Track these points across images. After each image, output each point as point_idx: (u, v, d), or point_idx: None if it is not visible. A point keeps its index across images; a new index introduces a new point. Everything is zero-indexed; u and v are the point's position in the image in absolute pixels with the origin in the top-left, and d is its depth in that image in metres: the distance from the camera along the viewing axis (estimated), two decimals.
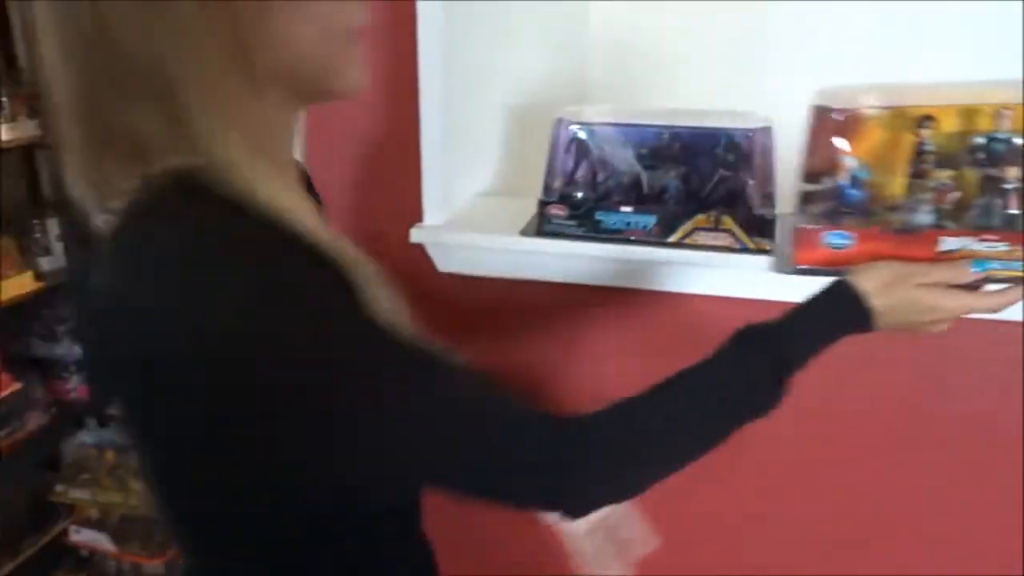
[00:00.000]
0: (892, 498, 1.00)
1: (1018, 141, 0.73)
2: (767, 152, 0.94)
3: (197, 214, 0.50)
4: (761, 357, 0.65)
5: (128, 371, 0.53)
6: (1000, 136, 0.73)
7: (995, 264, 0.72)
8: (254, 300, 0.49)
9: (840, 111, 0.76)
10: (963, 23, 1.11)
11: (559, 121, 0.98)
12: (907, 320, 0.70)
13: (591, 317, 1.01)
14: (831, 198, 0.79)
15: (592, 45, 1.94)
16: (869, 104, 0.76)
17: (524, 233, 1.00)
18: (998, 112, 0.72)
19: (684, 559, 1.05)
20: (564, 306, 1.01)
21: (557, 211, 0.98)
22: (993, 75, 0.77)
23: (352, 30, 0.57)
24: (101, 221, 0.54)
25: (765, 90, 1.81)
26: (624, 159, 0.99)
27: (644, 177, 0.97)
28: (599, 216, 0.97)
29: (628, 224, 0.96)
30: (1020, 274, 0.71)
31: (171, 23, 0.50)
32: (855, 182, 0.78)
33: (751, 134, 0.93)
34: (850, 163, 0.77)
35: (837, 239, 0.77)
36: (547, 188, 0.99)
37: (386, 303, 0.53)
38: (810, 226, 0.78)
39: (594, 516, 0.68)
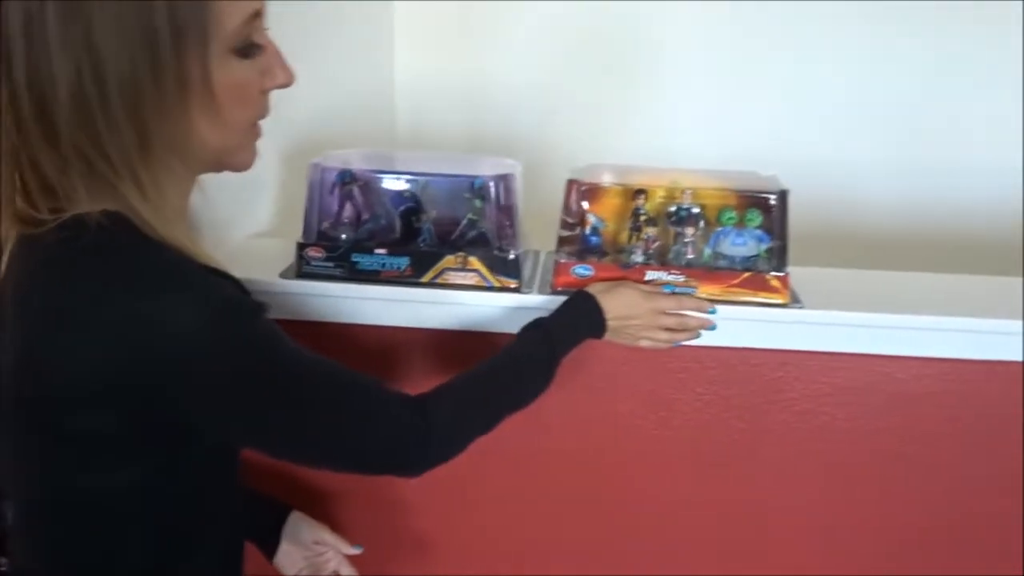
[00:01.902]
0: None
1: (696, 210, 1.01)
2: (510, 196, 1.02)
3: (125, 246, 0.62)
4: (543, 346, 0.87)
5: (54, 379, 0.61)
6: (685, 206, 1.01)
7: (679, 289, 1.00)
8: (202, 311, 0.60)
9: (585, 183, 1.02)
10: None
11: (314, 166, 1.02)
12: (628, 315, 0.92)
13: (356, 355, 1.04)
14: (579, 242, 1.03)
15: (398, 91, 2.01)
16: (607, 179, 1.04)
17: (284, 275, 1.02)
18: (684, 191, 1.01)
19: None
20: (327, 345, 1.03)
21: (315, 253, 1.01)
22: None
23: (254, 124, 0.72)
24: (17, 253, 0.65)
25: (562, 135, 1.98)
26: (381, 203, 1.04)
27: (398, 221, 1.03)
28: (355, 258, 1.01)
29: (383, 265, 1.01)
30: (692, 296, 0.99)
31: (105, 118, 0.61)
32: (594, 231, 1.03)
33: (494, 181, 1.00)
34: (591, 219, 1.02)
35: (582, 270, 1.00)
36: (306, 231, 1.03)
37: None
38: (564, 260, 1.01)
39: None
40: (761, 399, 1.03)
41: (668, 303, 0.95)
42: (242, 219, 1.21)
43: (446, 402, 0.79)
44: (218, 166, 0.72)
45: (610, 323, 0.92)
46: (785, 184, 1.01)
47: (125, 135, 0.61)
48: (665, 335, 0.94)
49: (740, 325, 0.99)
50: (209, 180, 0.77)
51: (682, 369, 1.03)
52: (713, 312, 0.96)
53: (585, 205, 1.02)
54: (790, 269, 1.01)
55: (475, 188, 1.01)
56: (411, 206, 1.04)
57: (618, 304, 0.92)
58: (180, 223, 0.67)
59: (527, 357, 0.87)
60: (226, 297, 0.64)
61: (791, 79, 1.90)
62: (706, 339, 1.00)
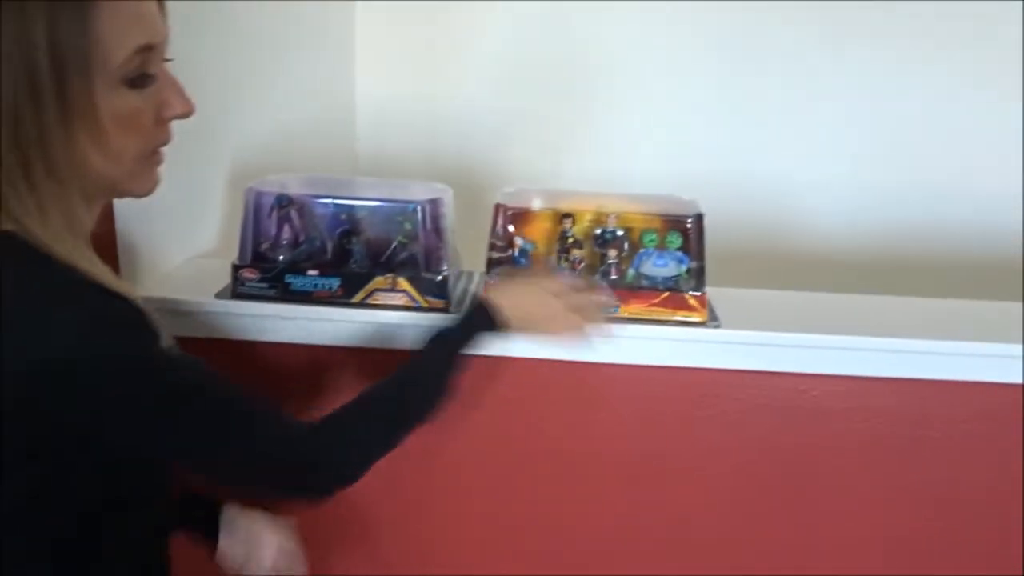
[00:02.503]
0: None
1: (620, 233, 1.06)
2: (438, 220, 1.05)
3: (14, 263, 0.64)
4: (442, 354, 0.88)
5: None
6: (610, 229, 1.05)
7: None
8: (88, 326, 0.63)
9: (513, 207, 1.06)
10: None
11: (248, 190, 1.05)
12: (526, 305, 0.91)
13: (287, 373, 1.07)
14: (508, 263, 1.07)
15: (359, 116, 2.06)
16: (536, 204, 1.08)
17: (220, 296, 1.05)
18: (609, 215, 1.06)
19: None
20: (260, 364, 1.07)
21: (249, 274, 1.05)
22: None
23: (151, 152, 0.72)
24: None
25: (520, 158, 2.03)
26: (315, 226, 1.07)
27: (330, 243, 1.06)
28: (289, 279, 1.04)
29: (315, 286, 1.04)
30: (615, 315, 1.03)
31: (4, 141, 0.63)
32: (523, 253, 1.07)
33: (423, 205, 1.04)
34: (519, 241, 1.06)
35: None
36: (241, 252, 1.06)
37: (162, 330, 0.68)
38: (492, 281, 1.04)
39: None
40: (683, 416, 1.07)
41: (561, 286, 0.92)
42: (191, 239, 1.25)
43: (341, 425, 0.79)
44: (114, 193, 0.73)
45: (513, 319, 0.89)
46: (703, 208, 1.05)
47: (8, 161, 0.63)
48: (576, 318, 0.92)
49: (661, 344, 1.03)
50: (154, 201, 0.80)
51: (603, 386, 1.06)
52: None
53: (512, 228, 1.06)
54: (712, 289, 1.05)
55: (405, 212, 1.05)
56: (345, 229, 1.07)
57: (513, 297, 0.90)
58: (75, 244, 0.67)
59: (426, 369, 0.87)
60: (110, 314, 0.65)
61: (747, 101, 1.95)
62: (627, 357, 1.04)
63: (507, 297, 0.90)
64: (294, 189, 1.09)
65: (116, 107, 0.66)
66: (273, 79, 1.56)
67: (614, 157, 1.99)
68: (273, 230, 1.08)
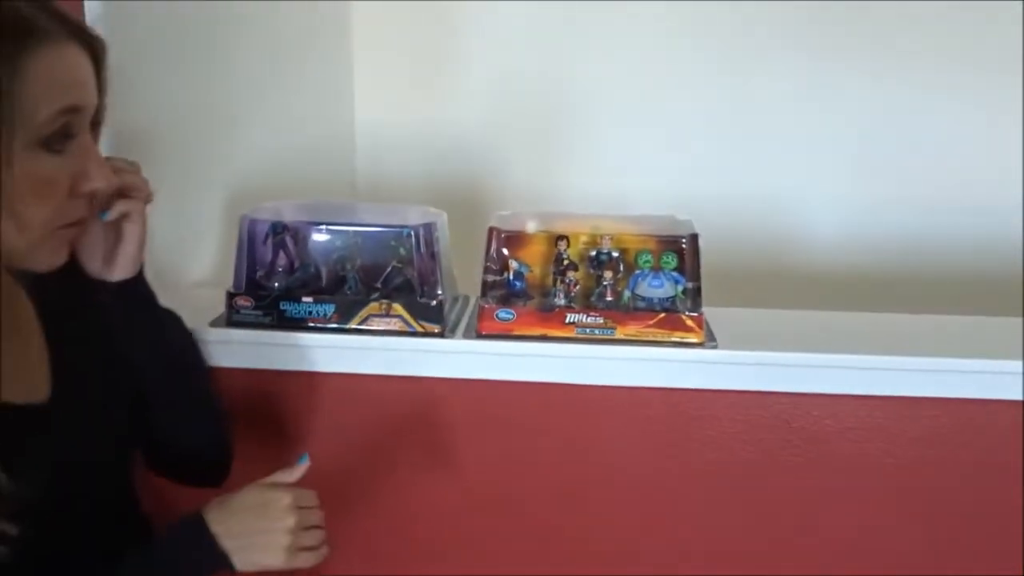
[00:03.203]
0: None
1: (615, 254, 1.04)
2: (432, 244, 1.05)
3: None
4: None
5: None
6: (605, 251, 1.05)
7: (597, 331, 1.02)
8: None
9: (507, 231, 1.05)
10: None
11: (242, 218, 1.05)
12: (247, 529, 0.77)
13: (283, 400, 1.07)
14: (504, 287, 1.06)
15: (359, 139, 2.07)
16: (531, 227, 1.07)
17: (215, 324, 1.05)
18: (603, 237, 1.05)
19: None
20: (256, 391, 1.06)
21: (243, 302, 1.04)
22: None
23: (65, 224, 0.68)
24: None
25: (519, 180, 2.03)
26: (310, 252, 1.07)
27: (324, 270, 1.06)
28: (283, 306, 1.04)
29: (310, 312, 1.04)
30: (611, 337, 1.02)
31: None
32: (518, 276, 1.06)
33: (415, 230, 1.04)
34: (514, 264, 1.06)
35: (505, 314, 1.03)
36: (236, 280, 1.06)
37: None
38: (487, 305, 1.03)
39: None
40: (681, 437, 1.06)
41: (288, 508, 0.77)
42: (188, 268, 1.25)
43: None
44: (11, 261, 0.68)
45: (230, 548, 0.75)
46: (698, 227, 1.05)
47: None
48: (287, 540, 0.77)
49: (657, 366, 1.02)
50: (150, 230, 0.79)
51: (599, 409, 1.05)
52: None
53: (506, 251, 1.05)
54: (710, 309, 1.04)
55: (399, 237, 1.05)
56: (340, 255, 1.07)
57: (231, 522, 0.76)
58: None
59: None
60: None
61: (743, 118, 1.95)
62: (623, 379, 1.03)
63: (225, 522, 0.77)
64: (289, 216, 1.09)
65: (31, 169, 0.62)
66: (270, 104, 1.57)
67: (612, 176, 1.99)
68: (268, 257, 1.08)
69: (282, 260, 1.09)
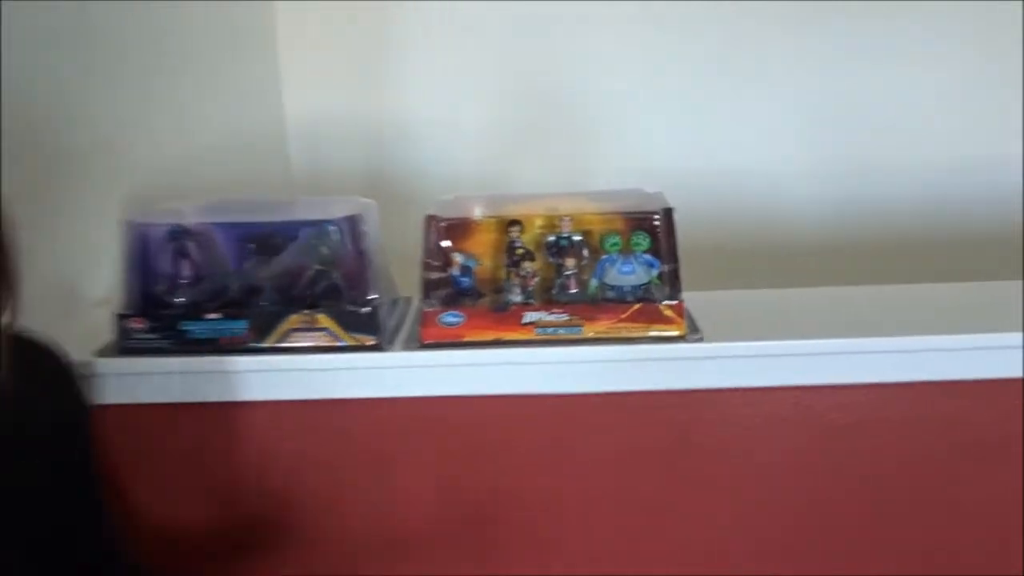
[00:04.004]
0: None
1: (577, 238, 0.90)
2: (360, 240, 0.89)
3: None
4: None
5: None
6: (564, 235, 0.90)
7: (561, 330, 0.87)
8: None
9: (447, 218, 0.90)
10: None
11: (127, 224, 0.88)
12: None
13: (193, 440, 0.90)
14: (448, 285, 0.90)
15: (291, 133, 1.88)
16: (477, 212, 0.92)
17: (104, 353, 0.88)
18: (562, 218, 0.90)
19: None
20: (161, 431, 0.89)
21: (136, 324, 0.87)
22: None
23: None
24: None
25: (466, 169, 1.87)
26: (217, 258, 0.90)
27: (233, 278, 0.89)
28: (185, 326, 0.87)
29: (219, 331, 0.87)
30: (578, 336, 0.87)
31: None
32: (465, 272, 0.91)
33: (339, 224, 0.87)
34: (459, 258, 0.90)
35: (451, 318, 0.88)
36: (126, 298, 0.88)
37: None
38: (430, 308, 0.88)
39: None
40: (667, 446, 0.90)
41: None
42: (81, 286, 1.07)
43: None
44: None
45: None
46: (671, 201, 0.90)
47: None
48: None
49: (636, 367, 0.87)
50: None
51: (572, 423, 0.90)
52: None
53: (449, 243, 0.90)
54: (690, 294, 0.89)
55: (321, 234, 0.88)
56: (253, 260, 0.90)
57: None
58: None
59: None
60: None
61: (715, 92, 1.81)
62: (597, 384, 0.88)
63: None
64: (191, 218, 0.92)
65: None
66: (197, 100, 1.40)
67: (573, 159, 1.83)
68: (169, 268, 0.91)
69: (187, 270, 0.91)
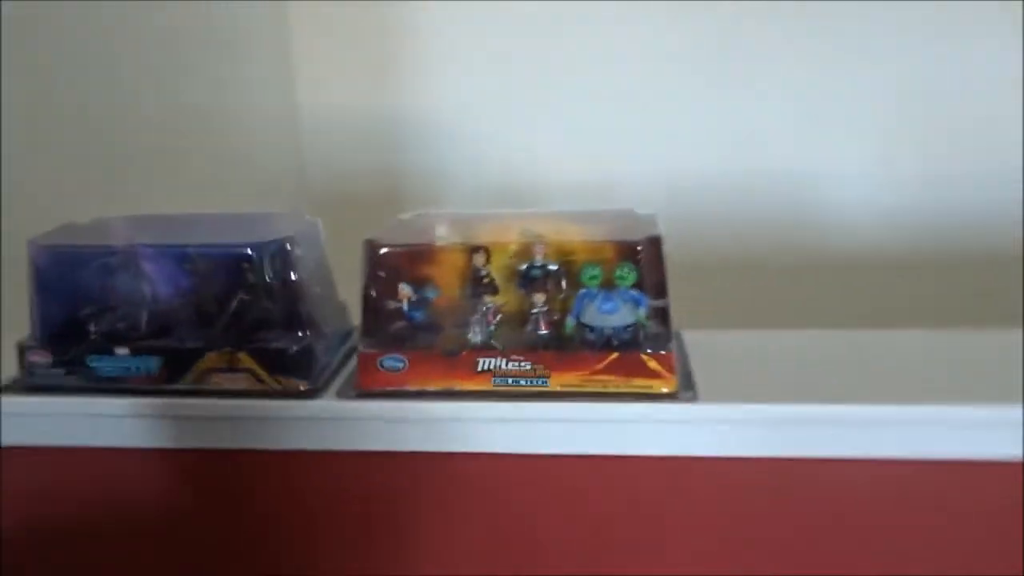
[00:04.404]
0: None
1: (552, 267, 0.74)
2: (291, 267, 0.76)
3: None
4: None
5: None
6: (537, 264, 0.75)
7: (523, 380, 0.72)
8: None
9: (388, 245, 0.75)
10: None
11: (31, 244, 0.77)
12: None
13: (96, 490, 0.79)
14: (395, 319, 0.76)
15: (304, 129, 1.78)
16: (440, 233, 0.78)
17: (8, 389, 0.78)
18: (535, 245, 0.74)
19: None
20: (63, 479, 0.78)
21: (39, 358, 0.76)
22: None
23: None
24: None
25: (489, 165, 1.73)
26: (129, 284, 0.79)
27: (145, 308, 0.77)
28: (92, 362, 0.76)
29: (128, 369, 0.76)
30: (543, 390, 0.72)
31: None
32: (418, 305, 0.76)
33: (266, 249, 0.75)
34: (406, 289, 0.76)
35: (392, 362, 0.74)
36: (32, 328, 0.78)
37: None
38: (369, 351, 0.74)
39: None
40: (646, 526, 0.75)
41: None
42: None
43: None
44: None
45: None
46: (661, 226, 0.74)
47: None
48: None
49: (611, 428, 0.72)
50: None
51: (531, 489, 0.75)
52: None
53: (392, 273, 0.75)
54: (692, 333, 0.74)
55: (246, 259, 0.76)
56: (174, 287, 0.79)
57: None
58: None
59: None
60: None
61: (741, 86, 1.62)
62: (564, 445, 0.73)
63: None
64: (110, 236, 0.81)
65: None
66: (195, 90, 1.32)
67: (596, 161, 1.67)
68: (82, 295, 0.80)
69: (100, 297, 0.80)
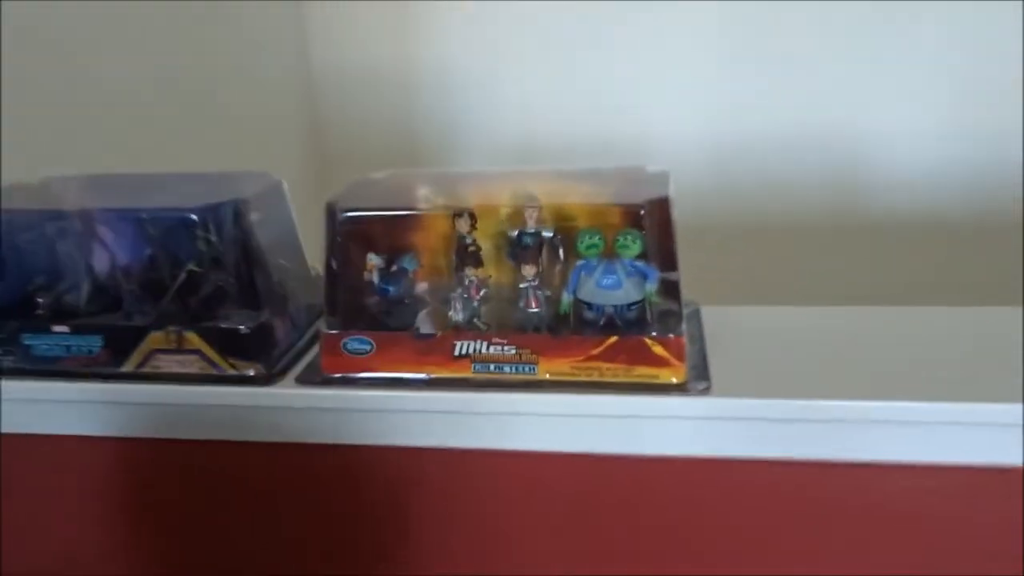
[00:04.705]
0: None
1: (546, 234, 0.63)
2: (243, 236, 0.66)
3: None
4: None
5: None
6: (529, 230, 0.64)
7: (507, 367, 0.62)
8: None
9: (352, 209, 0.64)
10: None
11: None
12: None
13: (33, 483, 0.71)
14: (369, 294, 0.66)
15: (317, 84, 1.69)
16: (421, 195, 0.68)
17: None
18: (528, 207, 0.63)
19: None
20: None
21: None
22: None
23: None
24: None
25: (505, 117, 1.62)
26: (74, 254, 0.71)
27: (86, 281, 0.69)
28: (28, 340, 0.68)
29: (68, 349, 0.67)
30: (531, 378, 0.61)
31: None
32: (392, 277, 0.66)
33: (217, 212, 0.65)
34: (375, 260, 0.65)
35: (357, 344, 0.65)
36: None
37: None
38: (332, 332, 0.64)
39: None
40: (649, 533, 0.64)
41: None
42: None
43: None
44: None
45: None
46: (672, 185, 0.62)
47: None
48: None
49: (605, 424, 0.61)
50: None
51: (517, 489, 0.64)
52: None
53: (357, 243, 0.65)
54: (711, 309, 0.63)
55: (195, 224, 0.67)
56: (130, 256, 0.70)
57: None
58: None
59: None
60: None
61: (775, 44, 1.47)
62: (554, 443, 0.62)
63: None
64: (64, 199, 0.73)
65: None
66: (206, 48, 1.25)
67: (622, 115, 1.54)
68: (40, 264, 0.72)
69: (51, 269, 0.72)
